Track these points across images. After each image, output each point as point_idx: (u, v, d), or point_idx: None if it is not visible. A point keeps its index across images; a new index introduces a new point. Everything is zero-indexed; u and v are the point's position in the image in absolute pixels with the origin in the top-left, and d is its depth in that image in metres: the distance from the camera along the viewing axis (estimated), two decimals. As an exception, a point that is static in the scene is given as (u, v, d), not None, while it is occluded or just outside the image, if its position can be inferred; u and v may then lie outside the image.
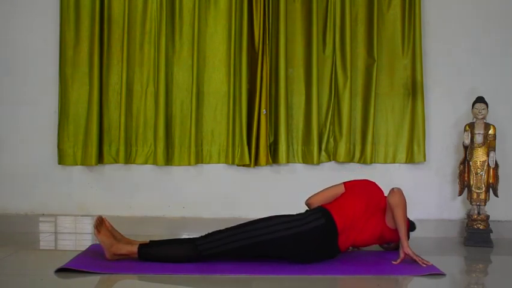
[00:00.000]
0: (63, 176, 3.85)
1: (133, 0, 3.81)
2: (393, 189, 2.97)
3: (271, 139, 3.85)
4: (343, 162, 3.89)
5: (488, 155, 3.62)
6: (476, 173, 3.63)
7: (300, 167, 3.90)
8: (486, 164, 3.62)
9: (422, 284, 2.70)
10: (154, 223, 3.81)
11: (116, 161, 3.82)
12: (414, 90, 3.86)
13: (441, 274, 2.79)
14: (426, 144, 3.87)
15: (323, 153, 3.88)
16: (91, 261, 2.87)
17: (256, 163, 3.81)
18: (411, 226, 3.12)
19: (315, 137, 3.81)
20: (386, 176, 3.79)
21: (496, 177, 3.64)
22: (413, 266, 2.88)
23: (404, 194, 2.96)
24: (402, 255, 2.92)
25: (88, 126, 3.78)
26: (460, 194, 3.76)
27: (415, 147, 3.85)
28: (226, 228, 2.93)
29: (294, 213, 3.00)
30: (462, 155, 3.75)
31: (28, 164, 3.84)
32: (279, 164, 3.87)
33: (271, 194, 3.86)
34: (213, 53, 3.85)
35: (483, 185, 3.62)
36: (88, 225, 3.81)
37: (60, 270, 2.72)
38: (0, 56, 3.86)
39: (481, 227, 3.60)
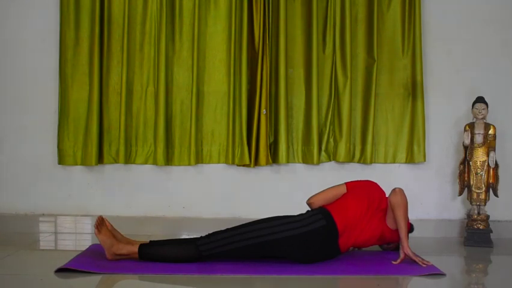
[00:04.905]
0: (63, 176, 3.85)
1: (133, 0, 3.81)
2: (395, 189, 2.98)
3: (271, 139, 3.85)
4: (343, 162, 3.89)
5: (488, 155, 3.62)
6: (476, 173, 3.63)
7: (300, 167, 3.90)
8: (486, 164, 3.62)
9: (422, 284, 2.70)
10: (154, 223, 3.81)
11: (116, 161, 3.82)
12: (414, 90, 3.86)
13: (441, 274, 2.79)
14: (426, 144, 3.87)
15: (323, 153, 3.88)
16: (91, 261, 2.87)
17: (256, 163, 3.81)
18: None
19: (315, 137, 3.81)
20: (386, 176, 3.79)
21: (496, 177, 3.64)
22: (413, 266, 2.88)
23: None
24: (402, 255, 2.92)
25: (88, 126, 3.78)
26: (460, 194, 3.76)
27: (415, 147, 3.85)
28: (227, 229, 2.93)
29: (295, 213, 3.00)
30: (462, 155, 3.75)
31: (28, 164, 3.84)
32: (279, 164, 3.87)
33: (272, 194, 3.86)
34: (213, 53, 3.85)
35: (483, 185, 3.62)
36: (88, 225, 3.81)
37: (60, 270, 2.72)
38: (0, 56, 3.86)
39: (481, 227, 3.61)
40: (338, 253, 3.01)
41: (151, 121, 3.83)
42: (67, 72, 3.80)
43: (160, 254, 2.89)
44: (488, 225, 3.63)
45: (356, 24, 3.90)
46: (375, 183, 3.17)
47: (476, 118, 3.68)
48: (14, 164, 3.85)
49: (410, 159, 3.87)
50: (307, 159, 3.86)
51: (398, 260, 2.92)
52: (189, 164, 3.82)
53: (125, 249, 2.90)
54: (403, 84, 3.89)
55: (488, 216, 3.63)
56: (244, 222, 2.95)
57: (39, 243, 3.56)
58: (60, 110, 3.79)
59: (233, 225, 2.95)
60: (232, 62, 3.79)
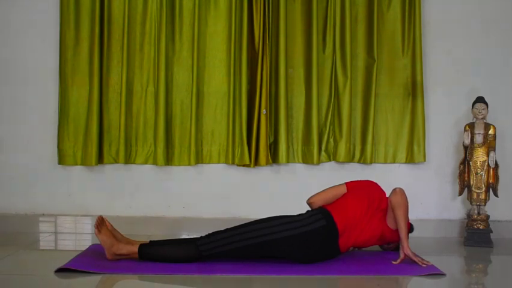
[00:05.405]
0: (63, 176, 3.85)
1: (133, 0, 3.81)
2: (395, 189, 2.98)
3: (271, 139, 3.85)
4: (343, 162, 3.89)
5: (488, 155, 3.62)
6: (476, 173, 3.63)
7: (300, 167, 3.90)
8: (486, 164, 3.62)
9: (422, 284, 2.70)
10: (154, 223, 3.81)
11: (116, 161, 3.82)
12: (414, 90, 3.86)
13: (441, 274, 2.79)
14: (426, 144, 3.87)
15: (323, 153, 3.88)
16: (91, 261, 2.87)
17: (256, 163, 3.81)
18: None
19: (315, 137, 3.81)
20: (386, 176, 3.79)
21: (496, 177, 3.64)
22: (413, 266, 2.88)
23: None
24: (402, 255, 2.92)
25: (88, 126, 3.78)
26: (460, 194, 3.76)
27: (415, 147, 3.85)
28: (227, 229, 2.93)
29: (295, 213, 3.00)
30: (462, 155, 3.75)
31: (28, 164, 3.84)
32: (279, 164, 3.87)
33: (271, 194, 3.86)
34: (213, 53, 3.85)
35: (483, 185, 3.62)
36: (88, 225, 3.81)
37: (60, 270, 2.72)
38: (0, 56, 3.86)
39: (481, 227, 3.61)
40: (338, 253, 3.01)
41: (151, 121, 3.83)
42: (67, 72, 3.80)
43: (160, 254, 2.89)
44: (488, 225, 3.63)
45: (356, 24, 3.90)
46: (375, 183, 3.17)
47: (476, 118, 3.68)
48: (14, 164, 3.84)
49: (410, 159, 3.87)
50: (307, 159, 3.86)
51: (398, 260, 2.92)
52: (189, 164, 3.82)
53: (125, 249, 2.90)
54: (403, 84, 3.89)
55: (488, 216, 3.63)
56: (244, 222, 2.95)
57: (39, 243, 3.56)
58: (60, 110, 3.79)
59: (233, 225, 2.95)
60: (232, 62, 3.79)
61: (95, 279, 2.66)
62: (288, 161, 3.83)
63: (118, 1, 3.81)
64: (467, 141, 3.67)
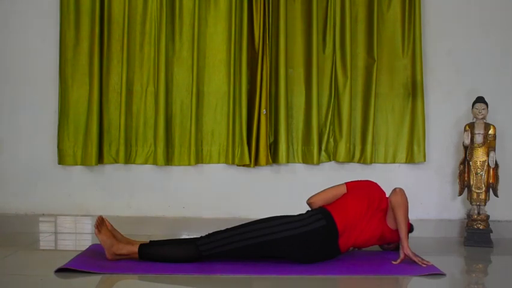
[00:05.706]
0: (63, 176, 3.85)
1: (133, 0, 3.81)
2: (395, 189, 2.98)
3: (271, 139, 3.85)
4: (343, 162, 3.89)
5: (488, 155, 3.62)
6: (476, 173, 3.63)
7: (300, 167, 3.90)
8: (486, 164, 3.62)
9: (422, 284, 2.70)
10: (154, 223, 3.81)
11: (116, 161, 3.82)
12: (414, 90, 3.86)
13: (441, 274, 2.79)
14: (426, 144, 3.87)
15: (323, 153, 3.88)
16: (91, 261, 2.87)
17: (256, 163, 3.81)
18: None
19: (315, 137, 3.81)
20: (386, 176, 3.78)
21: (496, 177, 3.64)
22: (413, 266, 2.88)
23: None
24: (402, 255, 2.92)
25: (88, 126, 3.78)
26: (460, 194, 3.76)
27: (415, 147, 3.85)
28: (227, 229, 2.93)
29: (295, 213, 3.00)
30: (462, 155, 3.75)
31: (28, 164, 3.84)
32: (279, 164, 3.87)
33: (271, 194, 3.86)
34: (213, 53, 3.85)
35: (483, 185, 3.62)
36: (88, 225, 3.81)
37: (60, 270, 2.72)
38: (0, 56, 3.86)
39: (481, 227, 3.61)
40: (338, 253, 3.01)
41: (151, 121, 3.83)
42: (67, 72, 3.80)
43: (160, 254, 2.89)
44: (488, 225, 3.63)
45: (356, 24, 3.89)
46: (375, 183, 3.18)
47: (476, 118, 3.68)
48: (14, 164, 3.84)
49: (410, 159, 3.87)
50: (307, 159, 3.86)
51: (398, 260, 2.92)
52: (189, 164, 3.81)
53: (125, 249, 2.90)
54: (403, 84, 3.89)
55: (488, 216, 3.63)
56: (244, 222, 2.95)
57: (39, 243, 3.56)
58: (60, 110, 3.79)
59: (233, 225, 2.95)
60: (232, 62, 3.79)
61: (95, 279, 2.66)
62: (288, 161, 3.83)
63: (118, 1, 3.81)
64: (467, 141, 3.67)
